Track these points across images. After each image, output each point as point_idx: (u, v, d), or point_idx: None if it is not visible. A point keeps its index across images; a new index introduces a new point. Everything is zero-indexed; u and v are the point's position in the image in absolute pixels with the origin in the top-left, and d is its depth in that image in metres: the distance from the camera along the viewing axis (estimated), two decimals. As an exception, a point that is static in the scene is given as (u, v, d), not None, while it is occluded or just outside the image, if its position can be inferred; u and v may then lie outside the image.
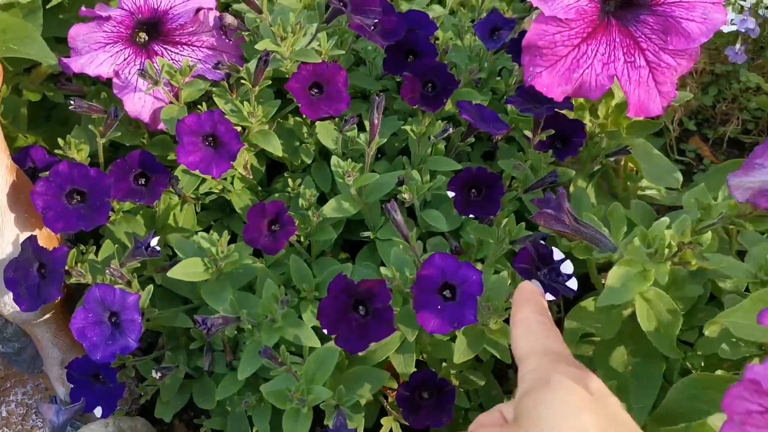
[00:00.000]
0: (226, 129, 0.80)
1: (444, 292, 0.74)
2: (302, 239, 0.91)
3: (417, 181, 0.89)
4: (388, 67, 0.95)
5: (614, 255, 0.78)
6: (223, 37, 0.90)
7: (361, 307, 0.73)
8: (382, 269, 0.76)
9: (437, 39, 1.06)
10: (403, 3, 1.14)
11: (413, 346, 0.80)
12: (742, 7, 1.34)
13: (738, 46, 1.31)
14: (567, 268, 0.74)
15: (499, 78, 1.04)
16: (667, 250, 0.73)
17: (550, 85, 0.79)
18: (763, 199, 0.72)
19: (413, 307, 0.73)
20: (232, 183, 0.95)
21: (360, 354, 0.76)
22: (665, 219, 0.75)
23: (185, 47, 0.89)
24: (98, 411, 0.79)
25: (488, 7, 1.02)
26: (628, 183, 1.06)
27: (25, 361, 0.99)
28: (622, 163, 1.08)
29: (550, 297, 0.70)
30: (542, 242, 0.76)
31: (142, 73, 0.79)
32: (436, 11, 1.14)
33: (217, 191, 0.94)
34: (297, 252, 0.89)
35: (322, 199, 0.92)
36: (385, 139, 0.93)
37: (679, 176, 1.01)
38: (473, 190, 0.84)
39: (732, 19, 1.30)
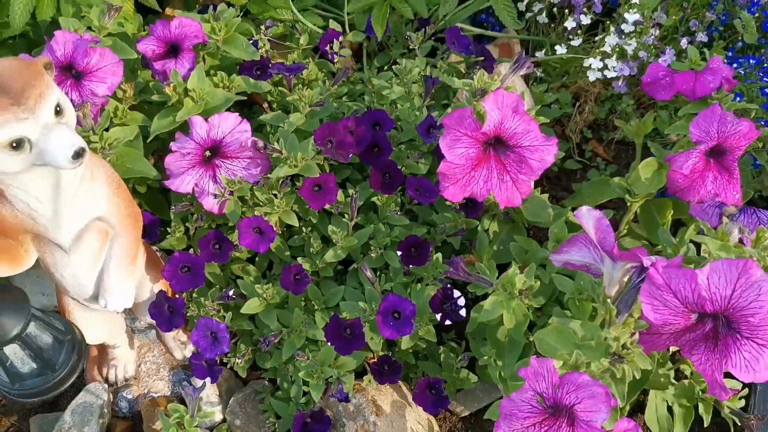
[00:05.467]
0: (266, 226, 1.37)
1: (394, 315, 1.35)
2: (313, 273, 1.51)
3: (382, 232, 1.47)
4: (362, 159, 1.50)
5: (489, 289, 1.38)
6: (259, 151, 1.44)
7: (347, 330, 1.35)
8: (360, 303, 1.38)
9: (399, 120, 1.58)
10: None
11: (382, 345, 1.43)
12: (623, 51, 1.81)
13: (620, 83, 1.81)
14: (461, 302, 1.36)
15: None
16: (517, 291, 1.33)
17: (454, 194, 1.34)
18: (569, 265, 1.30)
19: (377, 324, 1.34)
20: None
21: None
22: (515, 269, 1.33)
23: (234, 159, 1.44)
24: (208, 381, 1.43)
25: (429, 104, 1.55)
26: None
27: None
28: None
29: (449, 321, 1.32)
30: (449, 287, 1.36)
31: (215, 195, 1.36)
32: (395, 92, 1.63)
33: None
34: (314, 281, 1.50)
35: (326, 239, 1.51)
36: (362, 202, 1.50)
37: (551, 212, 1.56)
38: (412, 249, 1.42)
39: (614, 67, 1.79)
